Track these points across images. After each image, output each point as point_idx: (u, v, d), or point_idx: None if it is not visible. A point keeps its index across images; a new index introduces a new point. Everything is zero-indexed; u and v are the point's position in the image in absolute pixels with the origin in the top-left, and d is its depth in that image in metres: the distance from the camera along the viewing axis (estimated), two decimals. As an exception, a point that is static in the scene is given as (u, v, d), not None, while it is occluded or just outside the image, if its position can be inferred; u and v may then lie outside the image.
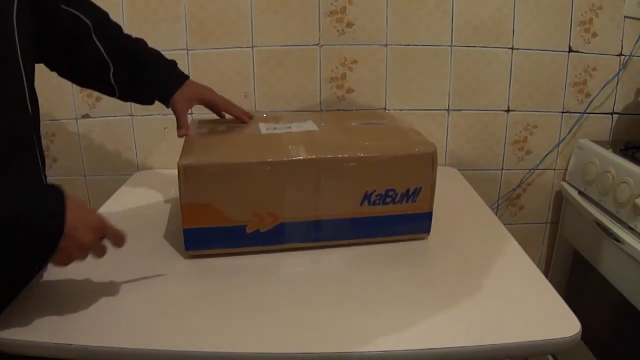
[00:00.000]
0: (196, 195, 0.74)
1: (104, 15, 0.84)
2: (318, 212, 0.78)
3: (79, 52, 0.81)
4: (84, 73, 0.84)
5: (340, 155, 0.76)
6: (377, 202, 0.79)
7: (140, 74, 0.84)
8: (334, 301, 0.68)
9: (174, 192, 1.05)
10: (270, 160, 0.74)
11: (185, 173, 0.73)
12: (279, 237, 0.78)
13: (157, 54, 0.87)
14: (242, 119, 0.91)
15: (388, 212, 0.80)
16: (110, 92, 0.85)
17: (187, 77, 0.88)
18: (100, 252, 0.63)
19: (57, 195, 0.56)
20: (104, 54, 0.81)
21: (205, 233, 0.76)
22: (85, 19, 0.79)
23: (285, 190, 0.76)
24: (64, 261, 0.58)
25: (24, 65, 0.65)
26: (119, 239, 0.64)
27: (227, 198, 0.75)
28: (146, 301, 0.68)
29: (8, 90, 0.63)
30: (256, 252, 0.79)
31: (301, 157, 0.75)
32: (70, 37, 0.79)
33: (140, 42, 0.86)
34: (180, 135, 0.84)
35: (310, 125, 0.89)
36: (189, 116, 0.87)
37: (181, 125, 0.85)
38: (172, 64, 0.88)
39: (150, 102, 0.89)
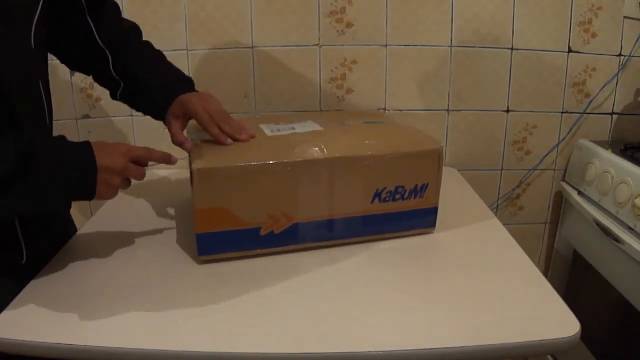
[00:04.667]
0: (211, 199, 0.73)
1: (123, 31, 0.85)
2: (331, 211, 0.79)
3: (90, 63, 0.85)
4: (102, 83, 0.88)
5: (353, 154, 0.77)
6: (387, 198, 0.80)
7: (140, 99, 0.86)
8: (333, 302, 0.68)
9: (174, 192, 1.06)
10: (286, 160, 0.74)
11: (201, 176, 0.71)
12: (292, 237, 0.78)
13: (161, 75, 0.85)
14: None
15: (397, 208, 0.81)
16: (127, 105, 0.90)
17: (176, 96, 0.82)
18: (138, 175, 0.73)
19: (85, 145, 0.67)
20: (113, 72, 0.84)
21: (219, 237, 0.75)
22: (97, 37, 0.81)
23: (299, 190, 0.76)
24: (108, 191, 0.69)
25: (42, 81, 0.70)
26: (147, 153, 0.74)
27: (242, 200, 0.74)
28: (147, 300, 0.68)
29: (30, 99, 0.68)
30: (263, 255, 0.79)
31: (316, 157, 0.75)
32: (84, 49, 0.82)
33: (150, 64, 0.86)
34: (186, 149, 0.81)
35: (312, 126, 0.89)
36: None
37: (174, 141, 0.82)
38: (170, 84, 0.84)
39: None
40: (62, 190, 0.64)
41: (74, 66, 0.88)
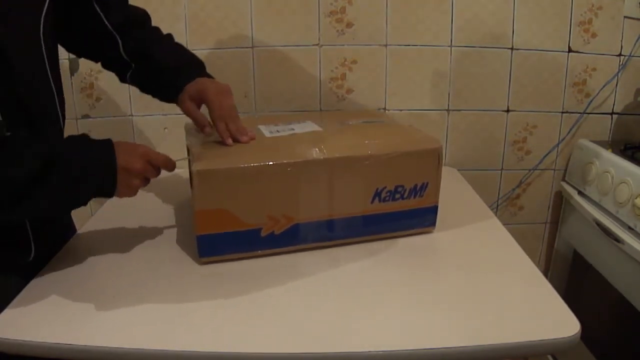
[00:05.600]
0: (211, 201, 0.73)
1: (132, 15, 0.84)
2: (331, 212, 0.79)
3: (100, 49, 0.84)
4: (111, 68, 0.88)
5: (353, 154, 0.77)
6: (387, 198, 0.80)
7: (153, 79, 0.85)
8: (333, 302, 0.69)
9: (174, 192, 1.05)
10: (286, 161, 0.74)
11: (201, 178, 0.71)
12: (293, 238, 0.78)
13: (174, 55, 0.85)
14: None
15: (397, 208, 0.82)
16: (136, 87, 0.89)
17: (193, 78, 0.83)
18: (154, 174, 0.74)
19: (107, 144, 0.68)
20: (123, 54, 0.83)
21: (220, 239, 0.75)
22: (106, 22, 0.81)
23: (300, 191, 0.76)
24: (128, 191, 0.71)
25: (52, 75, 0.70)
26: (166, 161, 0.75)
27: (242, 202, 0.74)
28: (147, 301, 0.68)
29: (40, 99, 0.69)
30: (263, 255, 0.79)
31: (316, 158, 0.75)
32: (93, 35, 0.82)
33: (162, 45, 0.85)
34: (205, 133, 0.82)
35: (311, 126, 0.89)
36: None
37: (197, 123, 0.83)
38: (186, 65, 0.85)
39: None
40: (84, 191, 0.66)
41: (81, 53, 0.88)
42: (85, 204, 0.68)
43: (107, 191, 0.69)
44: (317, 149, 0.77)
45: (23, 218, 0.68)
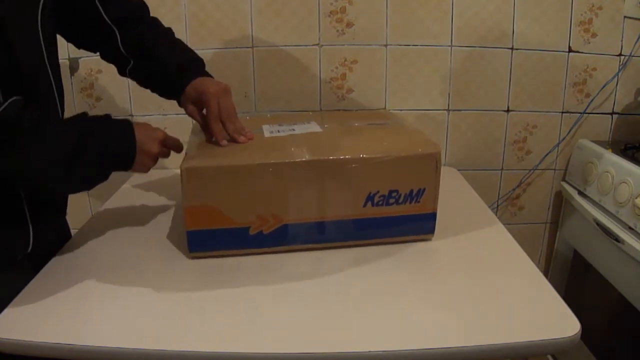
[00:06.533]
0: (199, 198, 0.74)
1: (131, 8, 0.84)
2: (321, 214, 0.78)
3: (98, 41, 0.85)
4: (109, 60, 0.88)
5: (342, 157, 0.76)
6: (380, 203, 0.79)
7: (152, 77, 0.85)
8: (334, 301, 0.68)
9: (173, 192, 1.05)
10: (272, 162, 0.74)
11: (187, 176, 0.73)
12: (282, 238, 0.78)
13: (174, 53, 0.85)
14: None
15: (392, 213, 0.80)
16: (135, 81, 0.90)
17: (192, 79, 0.83)
18: (165, 155, 0.81)
19: (127, 126, 0.74)
20: (122, 49, 0.83)
21: (209, 235, 0.76)
22: (104, 15, 0.81)
23: (289, 192, 0.76)
24: (142, 169, 0.76)
25: (51, 68, 0.71)
26: (178, 146, 0.82)
27: (230, 200, 0.75)
28: (147, 301, 0.68)
29: (40, 86, 0.70)
30: (259, 253, 0.79)
31: (303, 159, 0.75)
32: (91, 28, 0.82)
33: (161, 41, 0.84)
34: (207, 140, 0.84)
35: (313, 127, 0.89)
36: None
37: (201, 126, 0.86)
38: (185, 64, 0.84)
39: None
40: (108, 165, 0.71)
41: (80, 45, 0.87)
42: (106, 179, 0.72)
43: (125, 166, 0.73)
44: (308, 150, 0.77)
45: (61, 191, 0.75)
